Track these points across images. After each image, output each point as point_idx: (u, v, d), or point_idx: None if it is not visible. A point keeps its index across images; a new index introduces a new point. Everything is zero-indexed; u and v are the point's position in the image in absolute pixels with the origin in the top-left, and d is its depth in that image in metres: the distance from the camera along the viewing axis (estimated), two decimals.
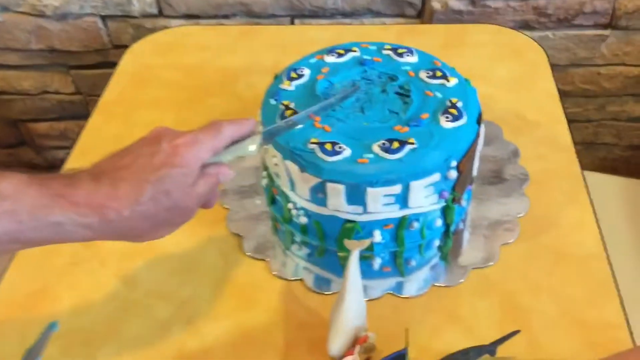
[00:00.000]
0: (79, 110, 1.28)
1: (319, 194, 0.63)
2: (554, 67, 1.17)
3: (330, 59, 0.72)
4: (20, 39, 1.18)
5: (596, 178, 1.15)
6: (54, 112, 1.34)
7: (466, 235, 0.72)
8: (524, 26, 1.12)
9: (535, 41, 1.00)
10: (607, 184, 1.13)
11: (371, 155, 0.60)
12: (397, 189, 0.61)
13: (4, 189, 0.43)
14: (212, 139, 0.53)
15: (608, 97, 1.23)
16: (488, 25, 1.04)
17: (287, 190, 0.67)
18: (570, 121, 1.28)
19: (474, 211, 0.74)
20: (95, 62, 1.23)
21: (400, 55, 0.72)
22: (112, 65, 1.00)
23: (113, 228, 0.48)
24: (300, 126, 0.61)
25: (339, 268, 0.66)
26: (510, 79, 0.92)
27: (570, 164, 0.77)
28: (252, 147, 0.56)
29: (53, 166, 1.40)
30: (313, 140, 0.62)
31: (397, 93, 0.69)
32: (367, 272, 0.68)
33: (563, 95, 1.22)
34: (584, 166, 1.32)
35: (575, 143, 1.32)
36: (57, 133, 1.38)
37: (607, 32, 1.13)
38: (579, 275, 0.65)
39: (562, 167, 0.77)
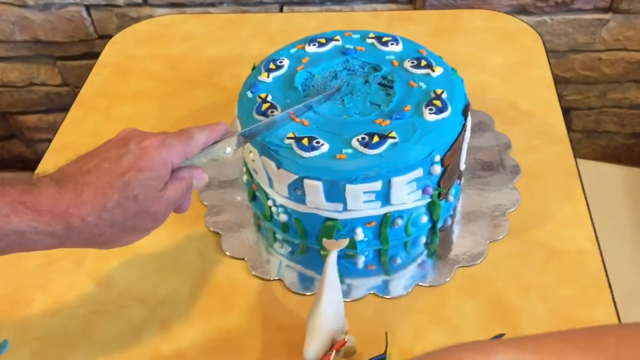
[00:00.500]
0: (67, 102, 1.24)
1: (297, 191, 0.60)
2: (552, 53, 1.14)
3: (311, 48, 0.69)
4: (3, 30, 1.16)
5: (597, 167, 1.12)
6: (41, 105, 1.32)
7: (456, 231, 0.69)
8: (520, 11, 1.08)
9: (532, 26, 0.96)
10: (609, 173, 1.10)
11: (350, 151, 0.58)
12: (377, 185, 0.58)
13: None
14: (183, 144, 0.51)
15: (609, 84, 1.19)
16: (482, 11, 1.00)
17: (265, 187, 0.64)
18: (570, 109, 1.26)
19: (461, 206, 0.71)
20: (81, 52, 1.20)
21: (385, 44, 0.69)
22: (99, 56, 0.98)
23: (78, 235, 0.46)
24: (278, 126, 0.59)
25: (322, 266, 0.63)
26: (504, 67, 0.88)
27: (564, 156, 0.74)
28: (227, 149, 0.55)
29: None
30: (290, 135, 0.59)
31: (380, 84, 0.66)
32: (351, 270, 0.66)
33: (563, 82, 1.19)
34: (585, 155, 1.30)
35: (576, 131, 1.30)
36: (45, 125, 1.36)
37: (607, 16, 1.08)
38: (570, 273, 0.62)
39: (556, 159, 0.74)
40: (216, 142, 0.54)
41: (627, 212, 1.00)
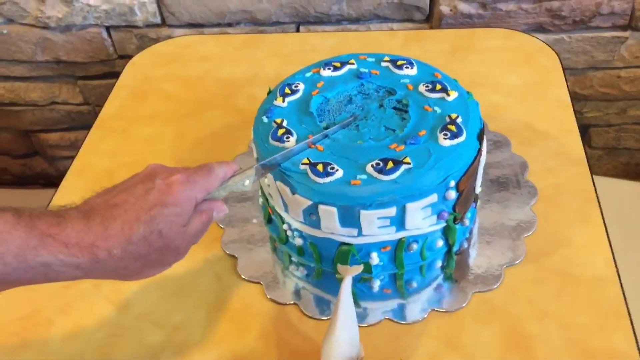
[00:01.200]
0: (88, 121, 1.26)
1: (312, 216, 0.60)
2: (571, 70, 1.13)
3: (326, 72, 0.70)
4: (25, 51, 1.18)
5: (618, 185, 1.11)
6: (63, 123, 1.34)
7: (472, 254, 0.69)
8: (537, 29, 1.07)
9: (550, 44, 0.96)
10: (629, 191, 1.09)
11: (364, 177, 0.58)
12: (392, 211, 0.58)
13: None
14: (205, 179, 0.52)
15: (629, 101, 1.18)
16: (499, 30, 1.00)
17: (281, 211, 0.64)
18: (590, 125, 1.25)
19: (477, 228, 0.70)
20: (102, 72, 1.22)
21: (400, 67, 0.69)
22: (119, 75, 0.99)
23: (103, 268, 0.47)
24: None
25: (338, 289, 0.63)
26: (520, 87, 0.88)
27: (582, 178, 0.73)
28: (246, 182, 0.56)
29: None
30: (305, 161, 0.59)
31: (395, 108, 0.66)
32: (367, 294, 0.66)
33: (582, 99, 1.18)
34: (606, 172, 1.29)
35: (596, 148, 1.28)
36: (67, 143, 1.38)
37: (626, 33, 1.08)
38: (588, 300, 0.62)
39: (574, 182, 0.73)
40: (234, 175, 0.56)
41: None
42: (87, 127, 0.90)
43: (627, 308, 0.60)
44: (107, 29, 1.14)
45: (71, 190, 0.80)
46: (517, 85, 0.88)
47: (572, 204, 0.71)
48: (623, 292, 0.62)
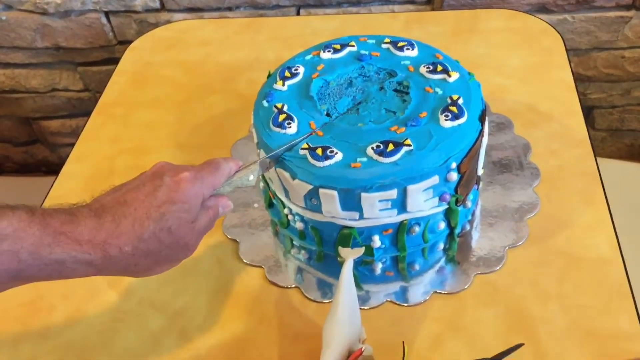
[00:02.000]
0: (89, 107, 1.26)
1: (313, 200, 0.60)
2: (574, 51, 1.12)
3: (326, 55, 0.69)
4: (25, 37, 1.17)
5: (622, 166, 1.10)
6: (64, 110, 1.33)
7: (474, 236, 0.68)
8: (540, 9, 1.06)
9: (553, 25, 0.94)
10: (634, 172, 1.08)
11: (365, 159, 0.57)
12: (393, 193, 0.58)
13: (4, 228, 0.43)
14: (212, 176, 0.53)
15: (633, 82, 1.17)
16: (501, 10, 0.99)
17: (281, 196, 0.64)
18: (594, 107, 1.24)
19: (480, 210, 0.70)
20: (102, 58, 1.21)
21: (400, 49, 0.69)
22: (119, 61, 0.99)
23: (115, 264, 0.48)
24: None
25: (340, 272, 0.63)
26: (523, 68, 0.87)
27: (585, 159, 0.73)
28: (250, 177, 0.57)
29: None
30: (304, 145, 0.59)
31: (396, 90, 0.65)
32: (369, 276, 0.66)
33: (586, 80, 1.17)
34: (610, 154, 1.28)
35: (600, 130, 1.27)
36: (69, 130, 1.37)
37: (630, 13, 1.06)
38: (591, 281, 0.61)
39: (577, 163, 0.73)
40: (239, 170, 0.56)
41: None
42: (88, 113, 0.90)
43: (631, 289, 0.60)
44: (106, 14, 1.13)
45: (72, 177, 0.80)
46: (520, 66, 0.87)
47: (576, 186, 0.70)
48: (627, 273, 0.62)
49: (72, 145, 0.85)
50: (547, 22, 0.95)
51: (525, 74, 0.86)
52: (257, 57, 0.95)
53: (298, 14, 1.11)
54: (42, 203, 0.76)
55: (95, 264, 0.46)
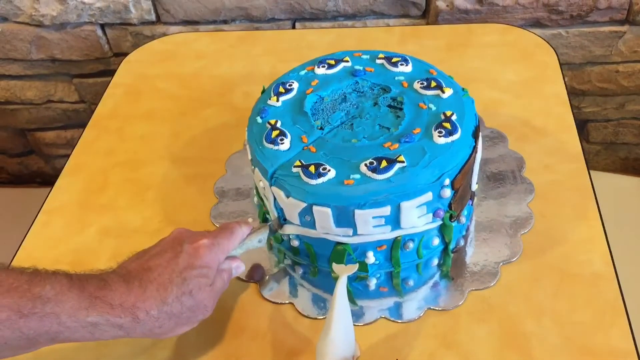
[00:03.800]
0: (84, 119, 1.26)
1: (307, 217, 0.60)
2: (568, 65, 1.12)
3: (320, 70, 0.69)
4: (20, 49, 1.17)
5: (616, 180, 1.10)
6: (59, 121, 1.33)
7: (469, 252, 0.68)
8: (534, 24, 1.07)
9: (547, 39, 0.95)
10: (628, 186, 1.08)
11: (358, 176, 0.57)
12: (386, 210, 0.58)
13: (47, 291, 0.47)
14: (228, 241, 0.58)
15: (627, 96, 1.17)
16: (495, 25, 0.99)
17: (276, 213, 0.64)
18: (588, 121, 1.24)
19: (474, 225, 0.70)
20: (97, 70, 1.21)
21: (394, 64, 0.69)
22: (114, 73, 0.99)
23: (142, 327, 0.51)
24: None
25: (334, 288, 0.63)
26: (517, 83, 0.87)
27: (579, 175, 0.73)
28: (261, 240, 0.62)
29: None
30: (297, 163, 0.59)
31: (390, 106, 0.65)
32: (363, 292, 0.65)
33: (580, 94, 1.18)
34: (605, 167, 1.28)
35: (594, 143, 1.28)
36: (63, 141, 1.37)
37: (624, 28, 1.07)
38: (585, 297, 0.61)
39: (571, 178, 0.73)
40: (250, 234, 0.60)
41: None
42: (83, 125, 0.90)
43: (625, 305, 0.60)
44: (102, 26, 1.13)
45: (66, 190, 0.80)
46: (514, 80, 0.88)
47: (569, 201, 0.70)
48: (620, 289, 0.62)
49: (67, 156, 0.84)
50: (541, 37, 0.96)
51: (520, 88, 0.86)
52: (253, 70, 0.95)
53: (293, 27, 1.11)
54: (37, 215, 0.76)
55: (124, 326, 0.50)
